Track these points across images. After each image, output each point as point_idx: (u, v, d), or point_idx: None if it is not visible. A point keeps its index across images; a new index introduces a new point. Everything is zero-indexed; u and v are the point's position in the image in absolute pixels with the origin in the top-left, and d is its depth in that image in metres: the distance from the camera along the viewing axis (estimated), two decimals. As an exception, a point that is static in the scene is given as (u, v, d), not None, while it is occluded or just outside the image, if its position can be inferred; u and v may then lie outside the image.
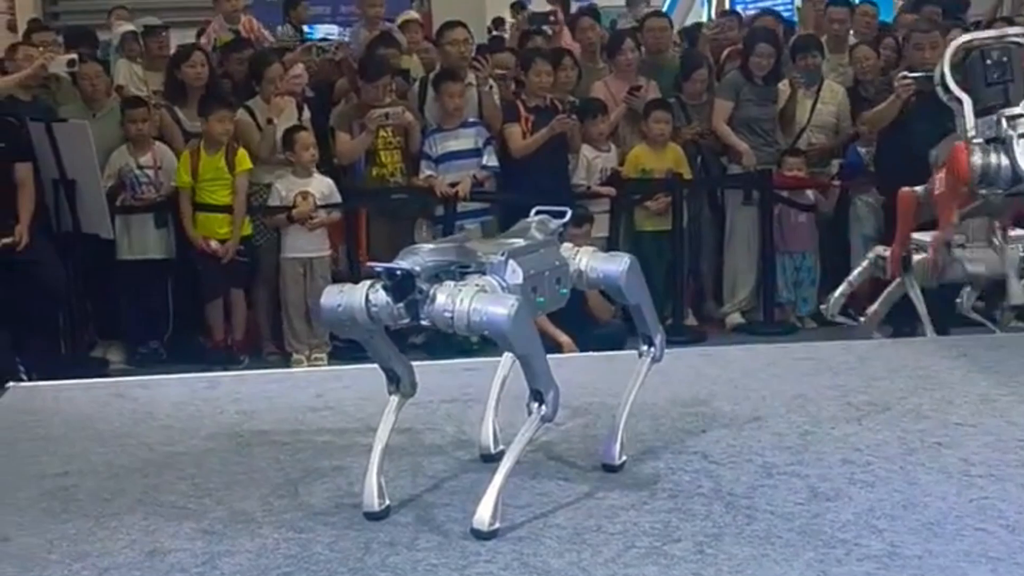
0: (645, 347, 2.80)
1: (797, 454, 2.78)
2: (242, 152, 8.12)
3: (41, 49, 8.81)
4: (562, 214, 2.72)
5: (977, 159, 3.70)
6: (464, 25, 9.02)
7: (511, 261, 2.42)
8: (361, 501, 2.49)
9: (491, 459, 2.76)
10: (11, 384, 3.96)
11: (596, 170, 8.65)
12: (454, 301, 2.31)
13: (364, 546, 2.33)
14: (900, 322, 5.73)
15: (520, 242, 2.55)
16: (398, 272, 2.32)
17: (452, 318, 2.30)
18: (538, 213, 2.73)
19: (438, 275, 2.38)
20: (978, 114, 3.89)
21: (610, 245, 8.55)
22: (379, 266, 2.36)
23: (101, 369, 8.18)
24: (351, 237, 8.56)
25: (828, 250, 9.08)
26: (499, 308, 2.28)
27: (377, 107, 8.26)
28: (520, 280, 2.41)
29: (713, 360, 3.84)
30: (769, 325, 8.76)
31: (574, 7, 12.99)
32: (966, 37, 4.11)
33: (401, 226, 8.45)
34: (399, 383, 2.60)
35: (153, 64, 9.30)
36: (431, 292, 2.33)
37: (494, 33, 12.17)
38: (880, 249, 3.86)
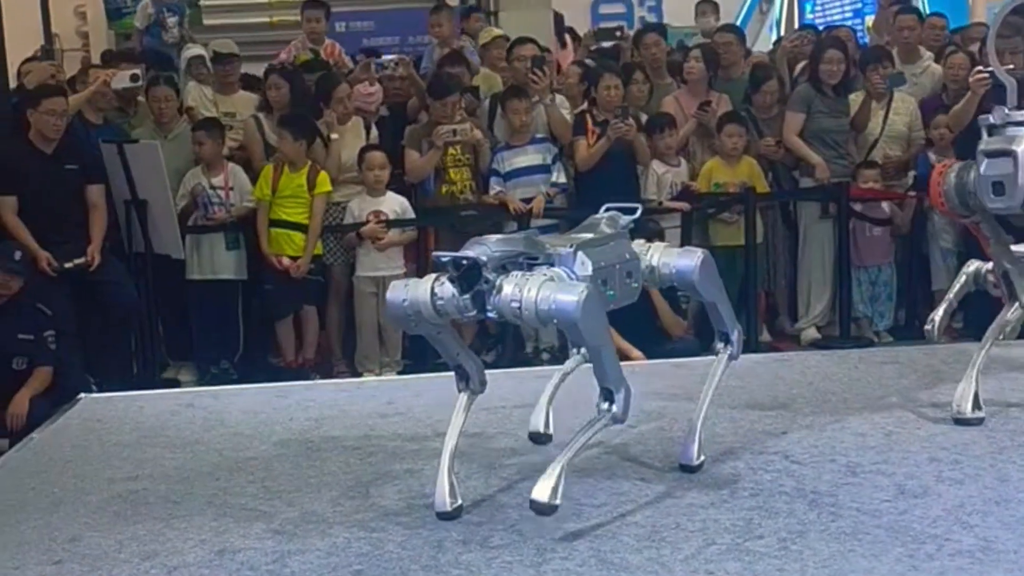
0: (721, 344, 2.72)
1: (882, 453, 2.69)
2: (324, 174, 8.15)
3: (111, 71, 8.90)
4: (632, 210, 2.63)
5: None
6: (534, 41, 9.01)
7: (580, 252, 2.34)
8: (432, 501, 2.43)
9: (539, 439, 2.78)
10: (83, 395, 3.96)
11: (666, 185, 8.58)
12: (522, 290, 2.23)
13: (437, 544, 2.27)
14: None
15: (589, 235, 2.47)
16: (464, 261, 2.25)
17: (520, 308, 2.23)
18: (607, 210, 2.64)
19: (505, 266, 2.31)
20: None
21: (681, 260, 8.49)
22: (445, 255, 2.28)
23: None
24: (421, 255, 8.55)
25: (904, 263, 8.96)
26: (569, 296, 2.20)
27: (445, 124, 8.26)
28: (589, 272, 2.33)
29: (792, 365, 3.75)
30: (845, 340, 8.62)
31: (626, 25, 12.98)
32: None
33: (470, 243, 8.41)
34: (468, 380, 2.53)
35: (225, 88, 9.36)
36: (498, 282, 2.26)
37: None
38: (978, 264, 3.57)
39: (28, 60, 9.93)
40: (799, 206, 8.96)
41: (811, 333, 8.88)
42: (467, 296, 2.28)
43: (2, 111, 8.21)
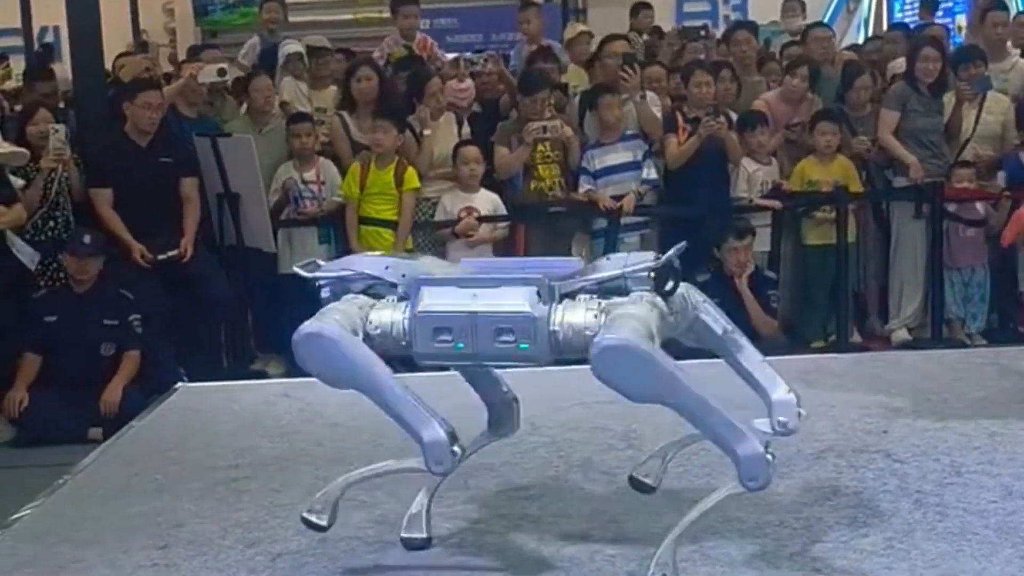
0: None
1: (986, 454, 2.65)
2: (411, 171, 8.14)
3: (197, 64, 8.98)
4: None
5: None
6: (626, 38, 8.98)
7: (425, 288, 2.05)
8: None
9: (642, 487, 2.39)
10: (180, 384, 4.01)
11: (757, 183, 8.52)
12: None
13: (538, 538, 2.27)
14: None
15: (493, 271, 2.14)
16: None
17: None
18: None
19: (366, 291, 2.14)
20: None
21: (772, 259, 8.45)
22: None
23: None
24: (509, 252, 8.54)
25: (997, 264, 8.83)
26: (311, 326, 2.04)
27: (535, 121, 8.25)
28: (416, 311, 2.04)
29: (890, 365, 3.71)
30: (937, 342, 8.50)
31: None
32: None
33: (559, 241, 8.42)
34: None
35: (317, 83, 9.41)
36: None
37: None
38: None
39: (123, 55, 10.06)
40: (892, 206, 8.84)
41: (902, 334, 8.75)
42: None
43: (99, 106, 8.32)
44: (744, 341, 2.26)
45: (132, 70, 9.08)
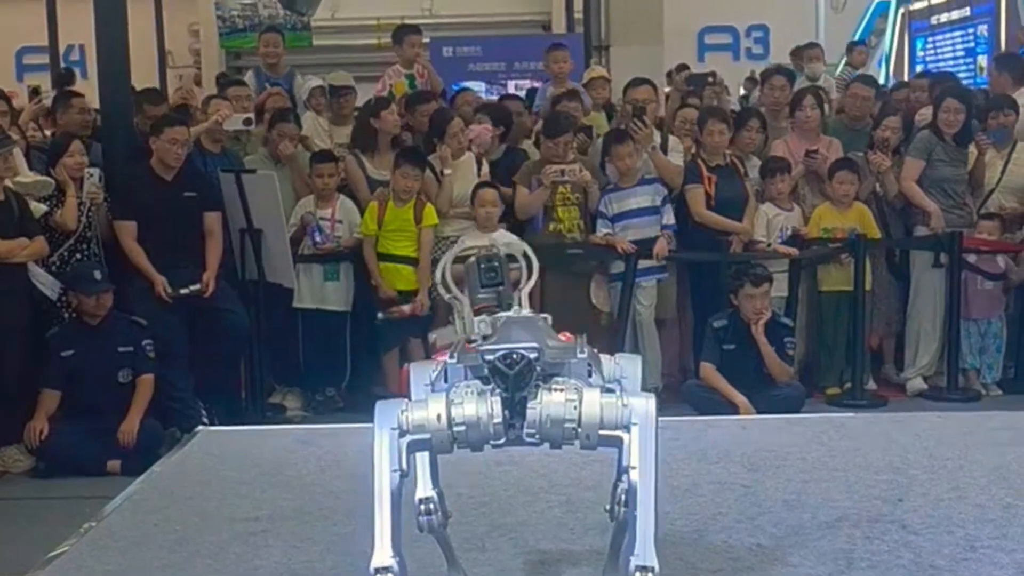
0: None
1: (1001, 528, 2.66)
2: (429, 207, 8.21)
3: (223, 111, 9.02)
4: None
5: None
6: (651, 82, 9.02)
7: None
8: None
9: None
10: (200, 428, 4.03)
11: (776, 228, 8.54)
12: None
13: (553, 604, 2.29)
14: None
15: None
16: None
17: None
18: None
19: None
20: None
21: (789, 305, 8.46)
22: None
23: (278, 415, 8.33)
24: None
25: (1016, 316, 8.83)
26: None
27: (555, 163, 8.29)
28: None
29: (905, 427, 3.72)
30: (953, 392, 8.51)
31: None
32: (464, 244, 3.48)
33: (577, 282, 8.45)
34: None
35: (338, 120, 9.48)
36: None
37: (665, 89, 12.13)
38: None
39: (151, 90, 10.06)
40: (912, 254, 8.86)
41: (918, 384, 8.76)
42: None
43: (125, 138, 8.36)
44: None
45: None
